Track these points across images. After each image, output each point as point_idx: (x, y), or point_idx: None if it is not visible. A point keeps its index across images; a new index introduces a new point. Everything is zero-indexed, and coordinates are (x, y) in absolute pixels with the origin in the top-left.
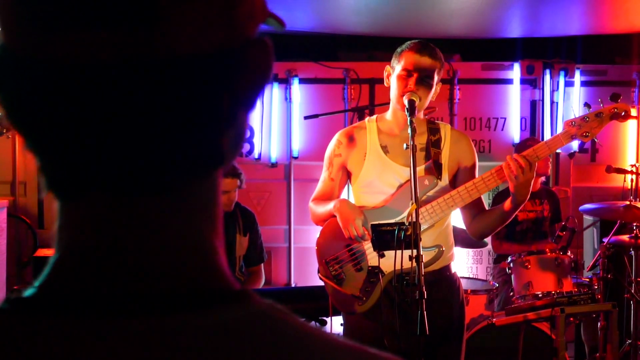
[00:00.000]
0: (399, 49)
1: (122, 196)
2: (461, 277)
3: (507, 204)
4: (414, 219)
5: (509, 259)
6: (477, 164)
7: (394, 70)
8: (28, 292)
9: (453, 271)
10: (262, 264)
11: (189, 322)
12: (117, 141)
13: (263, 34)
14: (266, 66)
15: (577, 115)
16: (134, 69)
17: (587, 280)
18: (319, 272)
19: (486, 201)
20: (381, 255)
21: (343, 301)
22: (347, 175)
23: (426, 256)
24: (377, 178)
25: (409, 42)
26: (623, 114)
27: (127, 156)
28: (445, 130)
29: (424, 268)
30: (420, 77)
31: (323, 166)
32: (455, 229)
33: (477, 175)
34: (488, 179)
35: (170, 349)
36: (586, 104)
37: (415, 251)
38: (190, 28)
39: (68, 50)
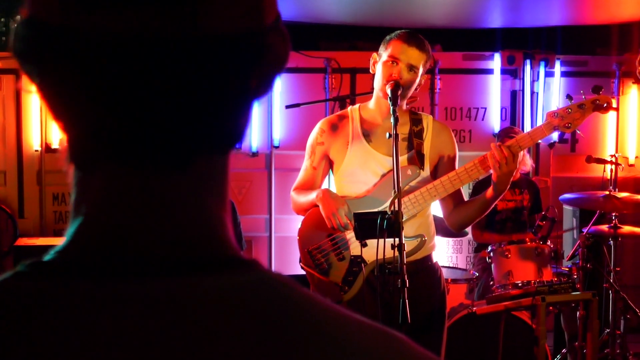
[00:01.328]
0: (387, 37)
1: (141, 169)
2: (441, 267)
3: (488, 192)
4: (397, 208)
5: (489, 248)
6: (458, 155)
7: (380, 58)
8: (47, 257)
9: (434, 261)
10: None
11: (201, 282)
12: (144, 115)
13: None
14: (285, 54)
15: (557, 106)
16: (176, 45)
17: (567, 269)
18: (300, 261)
19: (466, 190)
20: (363, 245)
21: (325, 291)
22: (330, 164)
23: (408, 246)
24: (360, 167)
25: (398, 31)
26: (605, 105)
27: (152, 130)
28: (428, 121)
29: (406, 258)
30: (405, 67)
31: (305, 155)
32: (436, 219)
33: (457, 167)
34: (471, 169)
35: (183, 306)
36: (568, 96)
37: (397, 240)
38: (229, 9)
39: (110, 25)
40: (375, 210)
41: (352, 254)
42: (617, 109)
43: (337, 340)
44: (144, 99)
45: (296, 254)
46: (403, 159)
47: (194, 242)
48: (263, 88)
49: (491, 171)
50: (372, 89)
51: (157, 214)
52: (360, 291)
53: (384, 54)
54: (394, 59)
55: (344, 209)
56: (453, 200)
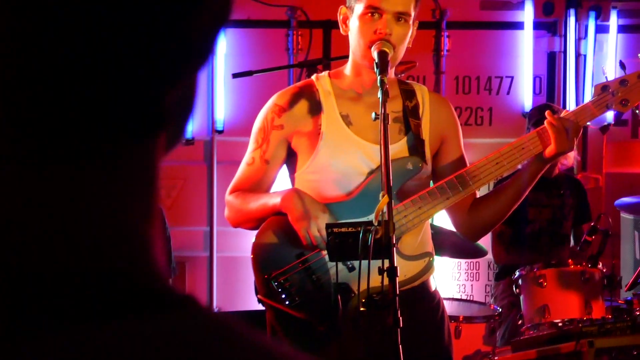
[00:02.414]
0: None
1: (30, 162)
2: (451, 299)
3: (529, 168)
4: (387, 217)
5: (517, 273)
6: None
7: (353, 11)
8: None
9: (434, 288)
10: (171, 281)
11: (114, 332)
12: (26, 83)
13: None
14: (222, 3)
15: (610, 75)
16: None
17: (626, 303)
18: (257, 292)
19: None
20: (350, 268)
21: (295, 332)
22: (288, 157)
23: (411, 269)
24: (339, 160)
25: None
26: None
27: (38, 105)
28: (423, 93)
29: (408, 284)
30: (392, 18)
31: (250, 142)
32: (442, 231)
33: (464, 153)
34: (510, 154)
35: None
36: (621, 64)
37: (387, 262)
38: None
39: None
40: (367, 219)
41: (334, 280)
42: None
43: None
44: (12, 62)
45: (247, 281)
46: (399, 147)
47: (105, 270)
48: (195, 55)
49: (520, 165)
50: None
51: (52, 226)
52: (344, 330)
53: (357, 5)
54: (374, 10)
55: (326, 216)
56: (467, 199)
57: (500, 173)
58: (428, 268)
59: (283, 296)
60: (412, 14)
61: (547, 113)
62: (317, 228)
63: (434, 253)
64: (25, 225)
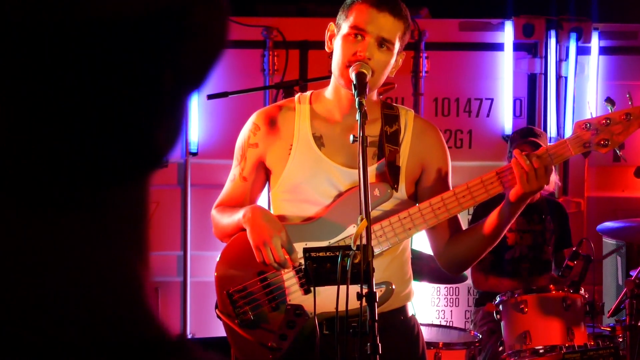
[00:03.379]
0: (348, 0)
1: (23, 209)
2: (430, 325)
3: (499, 214)
4: (365, 241)
5: (498, 299)
6: (451, 166)
7: (339, 30)
8: None
9: (410, 314)
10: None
11: None
12: (13, 132)
13: None
14: (219, 29)
15: (590, 99)
16: (44, 33)
17: (608, 329)
18: (217, 308)
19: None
20: (306, 291)
21: (249, 352)
22: (266, 175)
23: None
24: (306, 181)
25: None
26: None
27: (31, 155)
28: (407, 118)
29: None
30: (375, 42)
31: (233, 160)
32: (421, 256)
33: (450, 183)
34: (476, 187)
35: None
36: (608, 99)
37: (366, 287)
38: None
39: None
40: (333, 242)
41: (289, 302)
42: None
43: None
44: (13, 103)
45: None
46: (369, 172)
47: (106, 318)
48: (190, 83)
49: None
50: (330, 72)
51: (49, 273)
52: (300, 356)
53: (344, 24)
54: (358, 31)
55: (280, 237)
56: (446, 229)
57: (467, 206)
58: (386, 297)
59: (236, 314)
60: (397, 43)
61: (514, 152)
62: (270, 248)
63: (399, 282)
64: (22, 270)
